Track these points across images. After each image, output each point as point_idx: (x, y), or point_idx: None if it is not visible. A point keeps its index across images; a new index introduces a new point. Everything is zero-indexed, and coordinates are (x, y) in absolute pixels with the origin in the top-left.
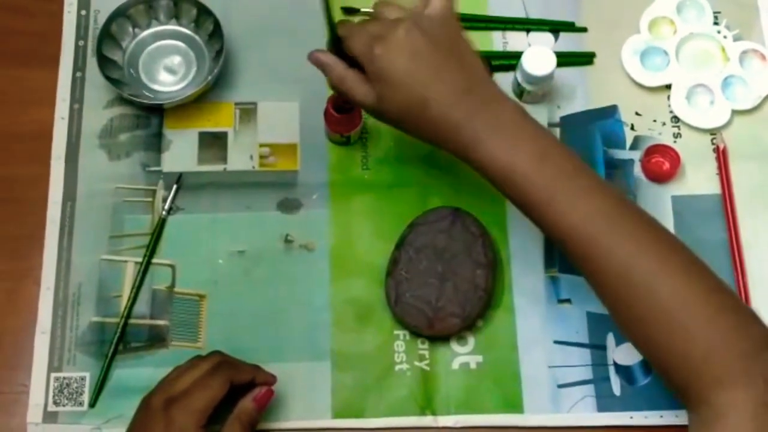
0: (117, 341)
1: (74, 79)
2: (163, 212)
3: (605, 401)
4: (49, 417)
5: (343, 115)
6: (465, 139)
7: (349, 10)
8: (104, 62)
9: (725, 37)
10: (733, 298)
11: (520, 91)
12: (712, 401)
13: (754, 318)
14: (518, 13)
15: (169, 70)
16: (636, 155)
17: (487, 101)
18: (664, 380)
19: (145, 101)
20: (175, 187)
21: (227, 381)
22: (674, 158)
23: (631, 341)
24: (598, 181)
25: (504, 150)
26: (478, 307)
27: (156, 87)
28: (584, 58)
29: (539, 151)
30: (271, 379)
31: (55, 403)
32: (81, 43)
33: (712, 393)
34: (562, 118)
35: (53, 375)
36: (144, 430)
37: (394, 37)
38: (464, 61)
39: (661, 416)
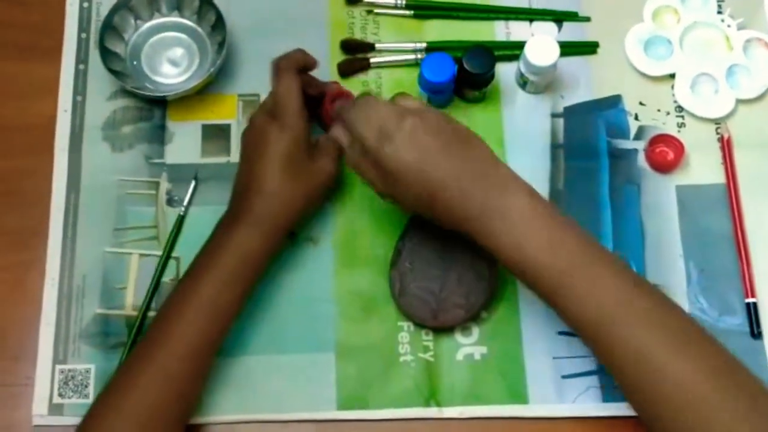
0: (136, 333)
1: (77, 71)
2: (182, 209)
3: (610, 392)
4: (55, 409)
5: None
6: (475, 228)
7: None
8: (107, 54)
9: (729, 25)
10: (750, 379)
11: (523, 82)
12: None
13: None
14: (521, 2)
15: (171, 62)
16: (640, 145)
17: (496, 189)
18: None
19: (147, 93)
20: (193, 183)
21: (294, 73)
22: (678, 148)
23: (644, 419)
24: (611, 264)
25: (514, 244)
26: (482, 298)
27: (159, 79)
28: (588, 48)
29: (550, 242)
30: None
31: (60, 395)
32: (83, 35)
33: None
34: (566, 108)
35: (58, 367)
36: (260, 139)
37: (401, 134)
38: (471, 149)
39: None
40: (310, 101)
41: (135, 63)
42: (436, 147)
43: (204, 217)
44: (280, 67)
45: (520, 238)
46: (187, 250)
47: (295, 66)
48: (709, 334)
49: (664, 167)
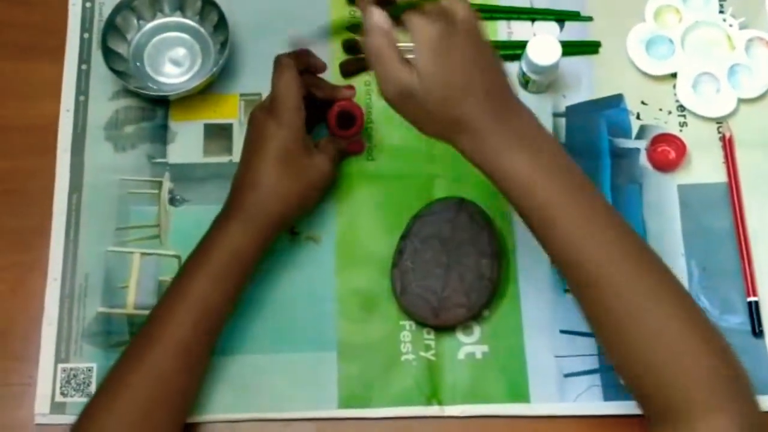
0: None
1: (79, 71)
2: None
3: (612, 390)
4: (57, 408)
5: (345, 131)
6: (487, 144)
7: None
8: (109, 54)
9: (731, 25)
10: (712, 327)
11: (525, 81)
12: (698, 427)
13: (731, 348)
14: (523, 2)
15: (174, 62)
16: (642, 144)
17: (511, 110)
18: (645, 405)
19: (150, 93)
20: None
21: (294, 70)
22: (680, 147)
23: (614, 362)
24: (611, 208)
25: (525, 162)
26: (483, 296)
27: (161, 79)
28: (589, 48)
29: (556, 169)
30: (349, 93)
31: (63, 394)
32: (86, 35)
33: (699, 418)
34: (568, 108)
35: (60, 366)
36: (257, 135)
37: (464, 16)
38: (498, 66)
39: None
40: (318, 104)
41: (137, 63)
42: (487, 46)
43: (205, 217)
44: (281, 62)
45: (533, 155)
46: (187, 249)
47: (298, 64)
48: (685, 289)
49: (665, 166)
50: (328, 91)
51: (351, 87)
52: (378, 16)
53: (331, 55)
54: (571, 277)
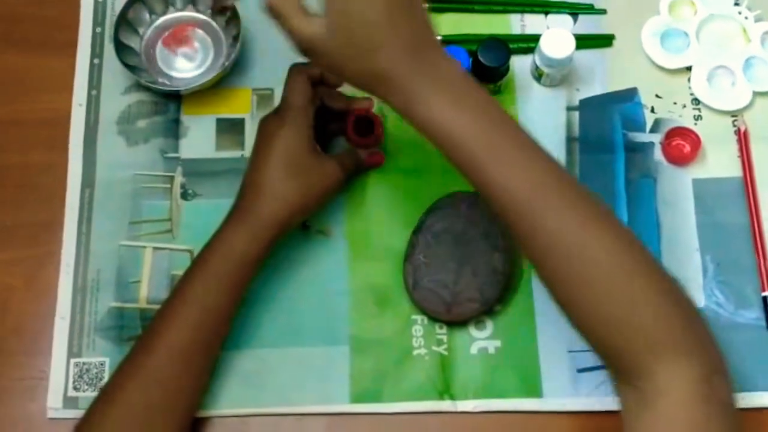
0: None
1: (92, 65)
2: None
3: None
4: (69, 402)
5: (363, 139)
6: (408, 93)
7: None
8: (121, 49)
9: (746, 18)
10: (667, 276)
11: (538, 74)
12: (653, 371)
13: (687, 294)
14: None
15: (186, 57)
16: (656, 138)
17: (434, 59)
18: (597, 348)
19: (162, 88)
20: None
21: (305, 75)
22: (695, 141)
23: (562, 307)
24: (535, 146)
25: (446, 108)
26: (496, 291)
27: (173, 73)
28: (603, 41)
29: (483, 114)
30: (367, 104)
31: (75, 388)
32: (98, 29)
33: (654, 363)
34: (581, 101)
35: (73, 360)
36: (263, 135)
37: None
38: (420, 15)
39: None
40: (335, 116)
41: (149, 57)
42: (385, 14)
43: (217, 211)
44: (291, 69)
45: (452, 101)
46: (199, 243)
47: (308, 73)
48: (621, 221)
49: (680, 160)
50: (345, 102)
51: (369, 99)
52: None
53: None
54: (503, 220)
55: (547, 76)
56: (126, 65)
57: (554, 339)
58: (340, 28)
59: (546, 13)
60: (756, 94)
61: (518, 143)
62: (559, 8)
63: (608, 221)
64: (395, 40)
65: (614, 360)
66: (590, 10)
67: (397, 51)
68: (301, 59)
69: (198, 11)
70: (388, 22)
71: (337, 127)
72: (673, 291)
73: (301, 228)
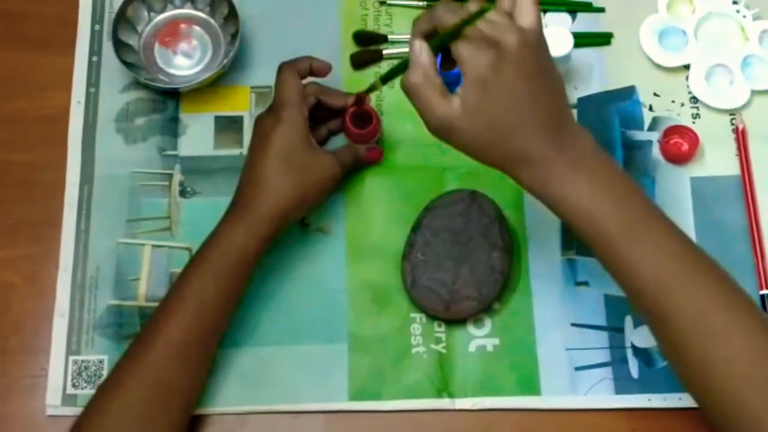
0: None
1: (90, 63)
2: None
3: (623, 384)
4: (68, 400)
5: (361, 131)
6: (546, 174)
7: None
8: (120, 46)
9: (744, 16)
10: None
11: None
12: None
13: None
14: None
15: (184, 54)
16: (654, 136)
17: (571, 136)
18: (718, 426)
19: (161, 85)
20: None
21: (294, 71)
22: (693, 139)
23: (689, 387)
24: (674, 226)
25: (588, 189)
26: (494, 289)
27: (172, 71)
28: (602, 39)
29: (619, 192)
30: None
31: (74, 386)
32: (97, 27)
33: None
34: (580, 99)
35: (72, 358)
36: (259, 133)
37: (510, 45)
38: (556, 89)
39: (680, 398)
40: (333, 112)
41: (148, 55)
42: (539, 72)
43: (216, 209)
44: (280, 67)
45: (594, 182)
46: (198, 241)
47: (299, 69)
48: (757, 305)
49: (678, 159)
50: (340, 98)
51: (365, 95)
52: (418, 52)
53: (342, 48)
54: (636, 301)
55: None
56: (125, 63)
57: (552, 337)
58: (478, 111)
59: (544, 11)
60: (754, 92)
61: (653, 223)
62: (558, 6)
63: (746, 306)
64: (532, 120)
65: (728, 428)
66: (588, 8)
67: (534, 131)
68: (289, 57)
69: (197, 9)
70: (528, 103)
71: (336, 125)
72: None
73: (300, 225)
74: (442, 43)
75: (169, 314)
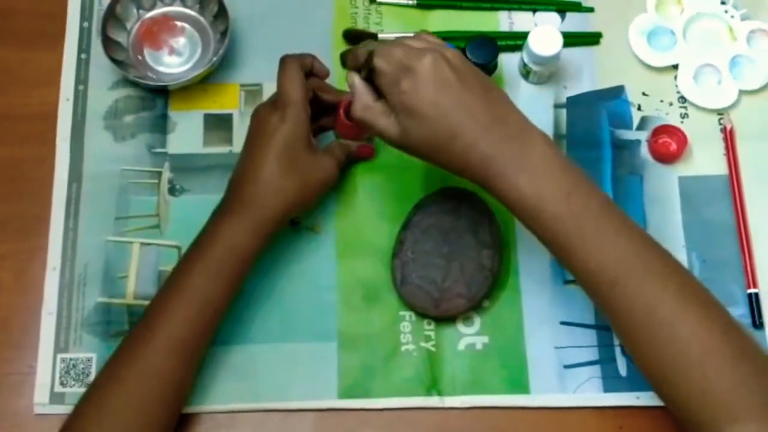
0: None
1: (79, 60)
2: None
3: (612, 382)
4: (56, 398)
5: (354, 127)
6: (492, 172)
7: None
8: (109, 44)
9: (732, 16)
10: (751, 344)
11: (526, 72)
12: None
13: (765, 355)
14: None
15: (173, 52)
16: (643, 136)
17: (514, 134)
18: (679, 417)
19: (150, 83)
20: None
21: (298, 65)
22: (681, 139)
23: (649, 378)
24: (625, 219)
25: (531, 185)
26: (484, 287)
27: (161, 68)
28: (591, 39)
29: (567, 188)
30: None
31: (62, 383)
32: (86, 24)
33: (728, 427)
34: (569, 99)
35: (60, 356)
36: (260, 129)
37: (421, 67)
38: (490, 92)
39: None
40: (325, 108)
41: (137, 52)
42: (456, 83)
43: (205, 207)
44: (285, 60)
45: (538, 178)
46: (187, 239)
47: (302, 65)
48: (711, 294)
49: (666, 158)
50: (335, 94)
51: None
52: (353, 85)
53: (332, 46)
54: (591, 297)
55: (534, 73)
56: (113, 60)
57: (541, 335)
58: (412, 130)
59: (534, 11)
60: (742, 92)
61: (604, 218)
62: (547, 6)
63: (702, 297)
64: (468, 126)
65: (684, 414)
66: (578, 8)
67: (474, 135)
68: (279, 55)
69: (186, 6)
70: (459, 109)
71: (328, 122)
72: (753, 355)
73: (290, 224)
74: (368, 73)
75: (169, 311)
